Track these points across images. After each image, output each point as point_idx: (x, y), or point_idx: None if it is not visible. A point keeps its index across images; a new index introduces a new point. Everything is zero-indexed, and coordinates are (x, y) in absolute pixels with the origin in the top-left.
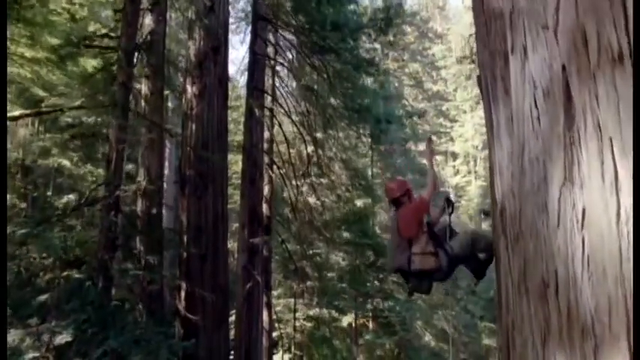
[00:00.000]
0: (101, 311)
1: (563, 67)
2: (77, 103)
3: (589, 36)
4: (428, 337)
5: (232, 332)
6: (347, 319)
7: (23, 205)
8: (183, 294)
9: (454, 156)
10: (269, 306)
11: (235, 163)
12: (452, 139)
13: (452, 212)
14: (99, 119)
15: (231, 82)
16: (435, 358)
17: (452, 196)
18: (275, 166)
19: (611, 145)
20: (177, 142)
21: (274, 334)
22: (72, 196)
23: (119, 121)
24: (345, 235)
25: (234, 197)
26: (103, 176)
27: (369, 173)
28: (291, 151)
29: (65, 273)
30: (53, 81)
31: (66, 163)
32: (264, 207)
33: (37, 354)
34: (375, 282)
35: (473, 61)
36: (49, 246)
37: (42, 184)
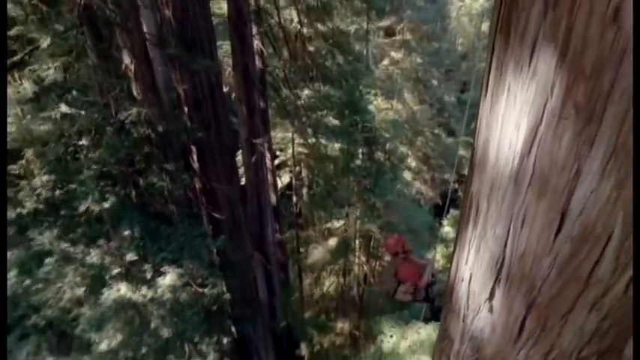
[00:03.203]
0: (146, 228)
1: None
2: (45, 44)
3: None
4: (410, 159)
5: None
6: (338, 146)
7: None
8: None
9: None
10: (271, 150)
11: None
12: None
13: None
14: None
15: None
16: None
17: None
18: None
19: None
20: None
21: (275, 162)
22: (84, 141)
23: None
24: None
25: (224, 47)
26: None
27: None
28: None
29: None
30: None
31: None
32: (257, 60)
33: (118, 269)
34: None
35: None
36: (87, 192)
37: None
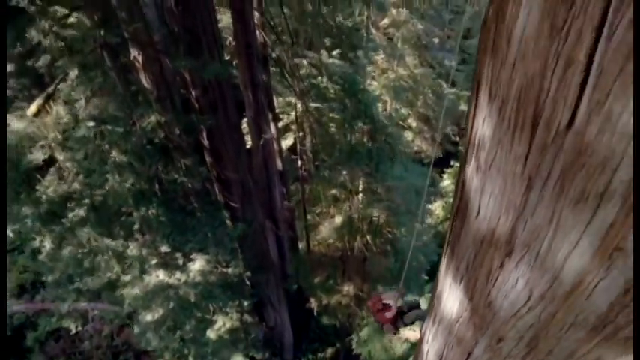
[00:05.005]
0: (173, 221)
1: None
2: (73, 74)
3: None
4: (411, 120)
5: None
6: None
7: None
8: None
9: None
10: (274, 117)
11: None
12: None
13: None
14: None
15: None
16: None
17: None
18: None
19: None
20: None
21: (279, 125)
22: (114, 154)
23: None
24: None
25: (224, 20)
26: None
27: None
28: None
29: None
30: None
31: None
32: (257, 34)
33: (155, 259)
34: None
35: None
36: (115, 193)
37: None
